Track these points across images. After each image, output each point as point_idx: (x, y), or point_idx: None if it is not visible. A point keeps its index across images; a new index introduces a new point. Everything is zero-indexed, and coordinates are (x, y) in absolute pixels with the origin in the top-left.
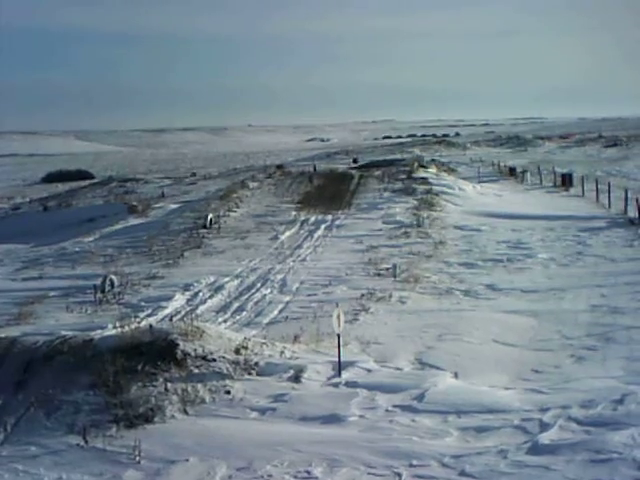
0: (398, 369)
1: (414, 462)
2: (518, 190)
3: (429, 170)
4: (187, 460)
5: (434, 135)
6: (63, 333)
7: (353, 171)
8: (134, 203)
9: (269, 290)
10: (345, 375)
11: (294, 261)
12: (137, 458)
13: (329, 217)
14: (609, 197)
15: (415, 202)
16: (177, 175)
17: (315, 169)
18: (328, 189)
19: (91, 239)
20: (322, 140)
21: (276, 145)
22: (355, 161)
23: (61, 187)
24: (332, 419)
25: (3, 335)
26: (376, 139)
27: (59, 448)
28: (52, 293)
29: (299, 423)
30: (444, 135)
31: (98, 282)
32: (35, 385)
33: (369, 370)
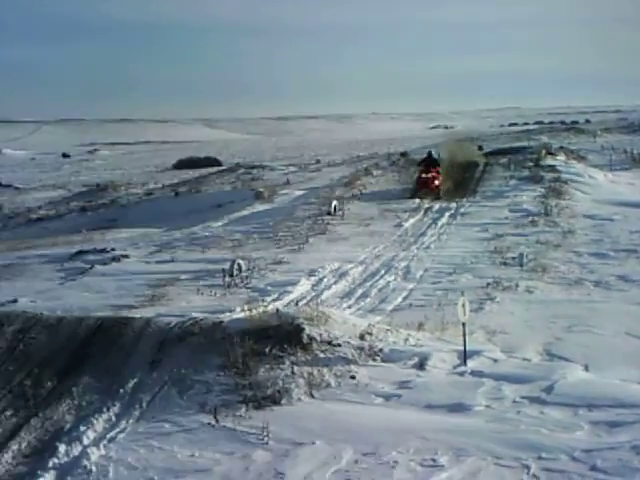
0: (525, 360)
1: (543, 455)
2: None
3: (557, 158)
4: (314, 443)
5: (562, 122)
6: (194, 315)
7: (478, 159)
8: (260, 189)
9: (393, 277)
10: (471, 364)
11: (418, 249)
12: (265, 439)
13: (453, 205)
14: None
15: (543, 190)
16: (302, 162)
17: (439, 156)
18: (452, 176)
19: (220, 224)
20: (446, 127)
21: (400, 132)
22: (480, 148)
23: (191, 173)
24: (458, 408)
25: (138, 315)
26: (502, 126)
27: (192, 426)
28: (183, 276)
29: (424, 410)
30: (573, 122)
31: (227, 266)
32: (168, 364)
33: (495, 360)
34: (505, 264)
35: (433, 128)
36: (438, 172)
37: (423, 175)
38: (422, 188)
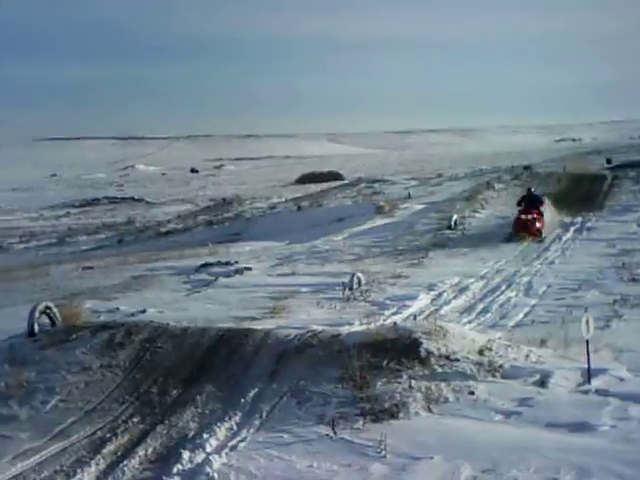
0: None
1: None
2: None
3: None
4: (431, 458)
5: None
6: (313, 327)
7: (606, 172)
8: (381, 203)
9: (514, 293)
10: (595, 383)
11: (541, 264)
12: (383, 452)
13: (579, 219)
14: None
15: None
16: (423, 176)
17: (564, 169)
18: (578, 190)
19: (340, 238)
20: (573, 140)
21: (524, 145)
22: (609, 161)
23: (313, 187)
24: (581, 427)
25: (260, 327)
26: (632, 138)
27: (310, 437)
28: (304, 289)
29: (546, 429)
30: None
31: (346, 280)
32: (287, 375)
33: (622, 379)
34: (633, 280)
35: (559, 141)
36: (540, 212)
37: (522, 217)
38: (520, 231)
